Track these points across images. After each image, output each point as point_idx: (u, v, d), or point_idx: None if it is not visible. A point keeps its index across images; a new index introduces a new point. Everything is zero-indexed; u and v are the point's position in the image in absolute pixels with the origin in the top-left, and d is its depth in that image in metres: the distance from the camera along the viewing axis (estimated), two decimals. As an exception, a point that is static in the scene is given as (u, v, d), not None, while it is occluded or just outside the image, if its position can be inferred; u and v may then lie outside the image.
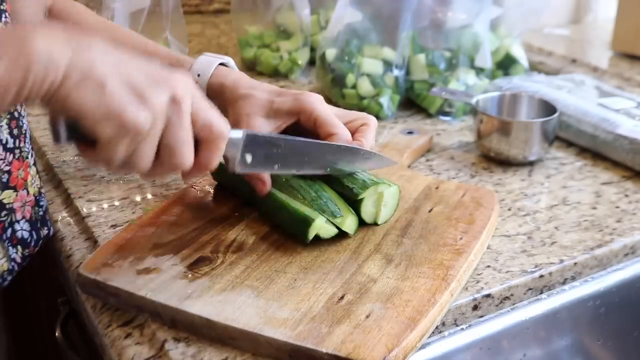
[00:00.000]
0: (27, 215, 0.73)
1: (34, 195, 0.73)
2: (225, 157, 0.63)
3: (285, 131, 0.75)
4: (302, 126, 0.75)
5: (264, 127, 0.74)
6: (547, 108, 0.97)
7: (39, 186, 0.75)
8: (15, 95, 0.50)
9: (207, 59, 0.79)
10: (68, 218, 0.81)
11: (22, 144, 0.71)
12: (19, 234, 0.72)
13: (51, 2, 0.86)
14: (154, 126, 0.54)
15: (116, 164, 0.55)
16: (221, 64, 0.80)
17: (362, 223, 0.73)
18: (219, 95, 0.77)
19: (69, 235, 0.77)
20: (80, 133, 0.53)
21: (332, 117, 0.73)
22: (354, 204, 0.72)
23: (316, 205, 0.70)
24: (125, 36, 0.85)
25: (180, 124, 0.55)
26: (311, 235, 0.69)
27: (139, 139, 0.54)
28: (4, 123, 0.69)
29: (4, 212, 0.69)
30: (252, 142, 0.64)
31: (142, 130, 0.53)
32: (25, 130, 0.72)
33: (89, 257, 0.67)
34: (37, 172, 0.75)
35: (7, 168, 0.69)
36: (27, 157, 0.72)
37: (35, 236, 0.74)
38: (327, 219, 0.69)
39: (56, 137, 0.54)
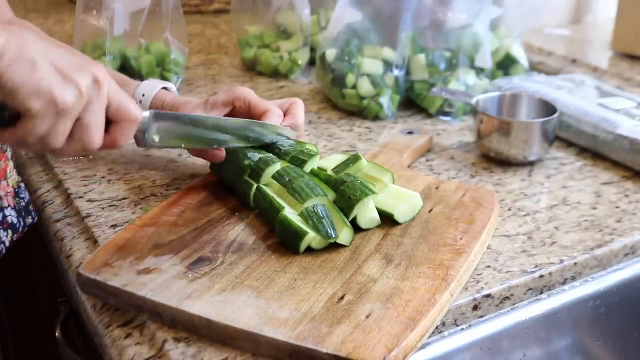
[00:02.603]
0: (12, 204, 0.78)
1: (12, 187, 0.78)
2: (135, 136, 0.69)
3: None
4: (237, 115, 0.84)
5: None
6: (547, 108, 0.97)
7: (16, 180, 0.80)
8: None
9: (152, 83, 0.88)
10: (68, 218, 0.81)
11: None
12: (9, 219, 0.77)
13: (9, 21, 0.87)
14: (77, 104, 0.58)
15: (32, 141, 0.59)
16: (164, 88, 0.87)
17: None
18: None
19: (69, 235, 0.77)
20: None
21: (263, 99, 0.84)
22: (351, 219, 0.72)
23: (312, 222, 0.69)
24: None
25: (98, 105, 0.60)
26: (302, 249, 0.69)
27: (62, 115, 0.58)
28: None
29: None
30: (159, 120, 0.70)
31: (67, 106, 0.57)
32: None
33: (89, 257, 0.67)
34: (15, 166, 0.80)
35: None
36: (5, 150, 0.77)
37: (22, 223, 0.79)
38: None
39: None
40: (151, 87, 0.87)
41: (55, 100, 0.57)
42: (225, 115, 0.84)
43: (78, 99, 0.58)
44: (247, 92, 0.84)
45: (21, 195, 0.80)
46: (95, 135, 0.61)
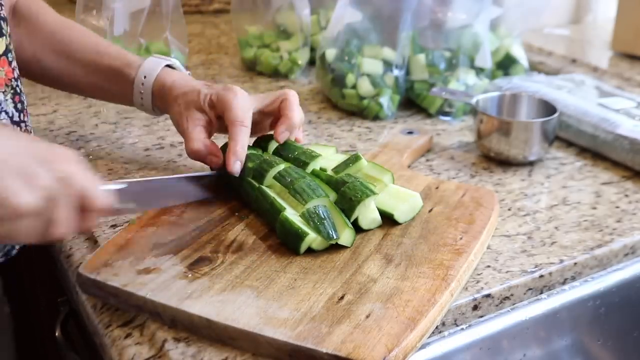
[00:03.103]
0: None
1: None
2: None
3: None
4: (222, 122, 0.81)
5: (200, 118, 0.81)
6: (547, 108, 0.97)
7: None
8: None
9: (155, 61, 0.85)
10: (68, 218, 0.81)
11: (25, 118, 0.75)
12: None
13: (15, 0, 0.88)
14: (39, 205, 0.57)
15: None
16: (168, 65, 0.85)
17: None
18: (161, 96, 0.84)
19: (69, 235, 0.77)
20: None
21: (241, 107, 0.78)
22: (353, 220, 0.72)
23: (313, 223, 0.69)
24: (79, 35, 0.89)
25: (65, 201, 0.58)
26: (303, 250, 0.69)
27: (25, 218, 0.56)
28: (8, 97, 0.73)
29: None
30: (130, 190, 0.69)
31: (29, 210, 0.56)
32: (26, 107, 0.76)
33: (89, 257, 0.67)
34: None
35: None
36: (30, 132, 0.77)
37: None
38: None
39: None
40: (153, 67, 0.84)
41: (14, 208, 0.55)
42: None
43: (39, 202, 0.57)
44: (231, 102, 0.78)
45: None
46: (63, 228, 0.59)
